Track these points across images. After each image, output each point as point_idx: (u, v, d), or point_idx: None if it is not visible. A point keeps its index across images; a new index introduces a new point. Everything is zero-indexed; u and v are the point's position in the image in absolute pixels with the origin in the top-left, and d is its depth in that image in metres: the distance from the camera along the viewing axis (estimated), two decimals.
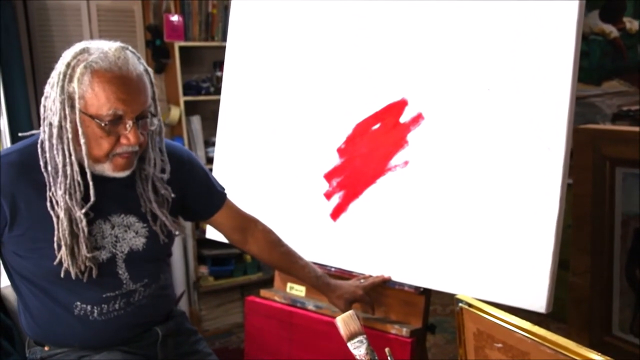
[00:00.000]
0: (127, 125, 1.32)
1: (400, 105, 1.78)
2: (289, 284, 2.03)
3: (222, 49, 2.32)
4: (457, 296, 1.34)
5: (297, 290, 2.01)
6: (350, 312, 0.80)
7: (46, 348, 1.46)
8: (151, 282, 1.49)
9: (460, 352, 1.39)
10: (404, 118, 1.77)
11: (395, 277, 1.76)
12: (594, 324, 2.17)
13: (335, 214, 1.88)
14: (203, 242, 3.46)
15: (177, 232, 1.54)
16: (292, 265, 1.74)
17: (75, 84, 1.30)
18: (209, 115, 3.55)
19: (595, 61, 3.54)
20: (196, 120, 3.52)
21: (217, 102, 3.43)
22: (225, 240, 1.86)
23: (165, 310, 1.56)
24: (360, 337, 0.77)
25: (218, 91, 3.53)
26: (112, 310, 1.43)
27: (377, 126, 1.83)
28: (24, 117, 2.95)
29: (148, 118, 1.39)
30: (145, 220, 1.47)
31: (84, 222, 1.35)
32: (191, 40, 3.51)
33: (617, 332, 2.12)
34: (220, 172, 2.12)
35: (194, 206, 1.62)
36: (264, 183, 2.04)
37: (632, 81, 3.49)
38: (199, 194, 1.62)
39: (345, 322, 0.78)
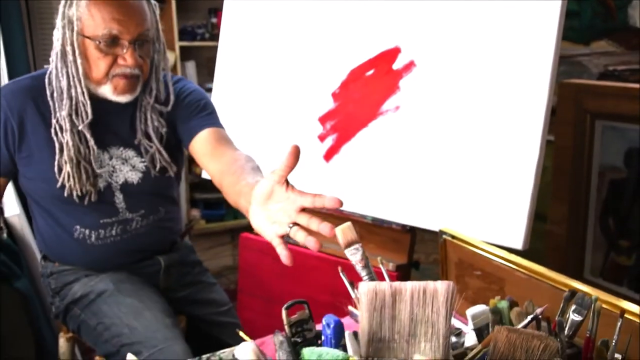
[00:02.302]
0: (124, 47, 1.38)
1: (394, 52, 1.85)
2: None
3: None
4: (442, 229, 1.44)
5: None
6: (348, 223, 0.90)
7: (56, 264, 1.55)
8: (148, 214, 1.55)
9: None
10: (397, 65, 1.85)
11: (384, 216, 1.86)
12: (568, 269, 2.30)
13: (329, 155, 1.97)
14: (195, 186, 3.55)
15: (169, 168, 1.53)
16: (249, 172, 1.26)
17: (74, 7, 1.37)
18: (204, 62, 3.59)
19: (586, 21, 3.60)
20: (191, 66, 3.56)
21: (212, 48, 3.49)
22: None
23: (166, 241, 1.63)
24: (357, 245, 0.87)
25: (213, 37, 3.57)
26: (108, 236, 1.51)
27: (370, 72, 1.90)
28: (21, 55, 2.99)
29: (148, 43, 1.43)
30: (143, 155, 1.52)
31: (92, 142, 1.42)
32: None
33: (588, 276, 2.26)
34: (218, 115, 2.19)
35: (180, 132, 1.53)
36: (261, 125, 2.11)
37: (620, 42, 3.55)
38: (186, 119, 1.52)
39: (343, 232, 0.88)
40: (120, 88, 1.41)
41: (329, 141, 1.98)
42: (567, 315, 0.92)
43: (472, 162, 1.72)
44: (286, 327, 0.80)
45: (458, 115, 1.74)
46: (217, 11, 3.58)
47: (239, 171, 1.26)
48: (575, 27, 3.63)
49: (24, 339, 1.85)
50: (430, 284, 0.74)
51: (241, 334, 0.74)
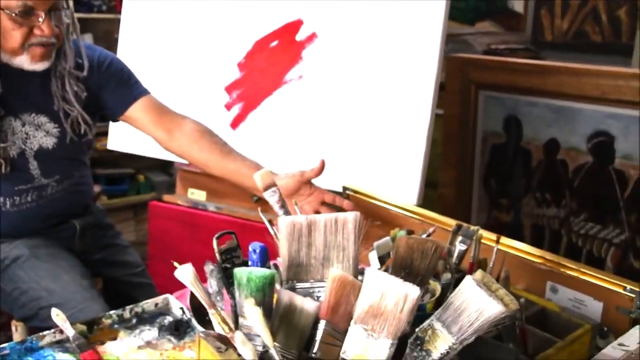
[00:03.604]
0: (40, 17, 1.37)
1: (297, 24, 1.96)
2: (190, 190, 2.20)
3: None
4: (344, 185, 1.58)
5: (198, 194, 2.18)
6: (267, 169, 1.00)
7: None
8: (63, 179, 1.57)
9: None
10: (300, 36, 1.96)
11: None
12: None
13: (235, 123, 2.06)
14: (96, 161, 3.49)
15: (89, 131, 1.57)
16: (228, 155, 1.54)
17: None
18: (101, 35, 3.52)
19: (471, 3, 3.87)
20: (88, 39, 3.48)
21: (109, 20, 3.44)
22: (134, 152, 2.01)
23: (81, 205, 1.66)
24: (274, 188, 0.97)
25: (111, 10, 3.50)
26: (24, 202, 1.51)
27: (274, 43, 2.00)
28: None
29: (61, 11, 1.43)
30: (57, 120, 1.52)
31: None
32: None
33: None
34: None
35: (108, 102, 1.59)
36: (168, 96, 2.15)
37: (501, 23, 3.85)
38: (114, 89, 1.60)
39: (262, 176, 0.98)
40: (37, 57, 1.41)
41: (236, 110, 2.06)
42: (455, 246, 1.08)
43: (371, 128, 1.87)
44: (217, 255, 0.89)
45: (357, 85, 1.88)
46: None
47: (218, 149, 1.54)
48: (461, 8, 3.89)
49: None
50: (341, 215, 0.86)
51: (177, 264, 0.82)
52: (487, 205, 2.45)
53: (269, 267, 0.86)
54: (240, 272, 0.76)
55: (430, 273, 0.77)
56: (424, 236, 0.92)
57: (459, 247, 1.07)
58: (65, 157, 1.57)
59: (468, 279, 0.71)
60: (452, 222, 1.33)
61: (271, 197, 0.97)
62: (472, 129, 2.40)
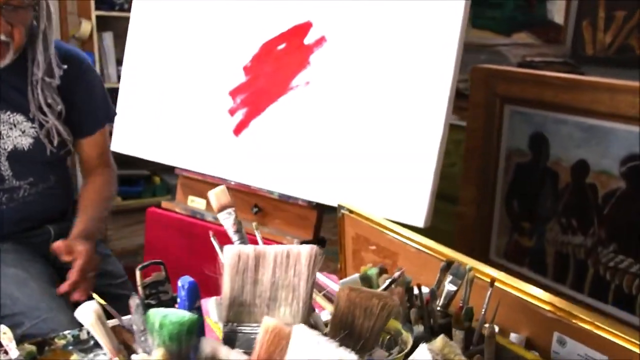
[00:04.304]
0: None
1: (305, 27, 1.83)
2: (190, 197, 2.09)
3: None
4: (340, 203, 1.43)
5: (198, 203, 2.07)
6: (222, 187, 0.87)
7: None
8: (38, 182, 1.49)
9: (340, 257, 1.50)
10: (308, 40, 1.82)
11: (290, 192, 1.84)
12: (475, 250, 2.36)
13: (238, 129, 1.93)
14: None
15: (69, 142, 1.52)
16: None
17: None
18: (122, 33, 3.45)
19: (507, 12, 3.69)
20: (108, 37, 3.43)
21: None
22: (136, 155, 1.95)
23: (57, 210, 1.57)
24: (230, 210, 0.84)
25: None
26: None
27: (282, 46, 1.87)
28: None
29: (24, 9, 1.35)
30: (35, 121, 1.45)
31: None
32: None
33: (494, 257, 2.32)
34: (128, 89, 2.12)
35: (72, 118, 1.54)
36: (171, 98, 2.05)
37: (539, 34, 3.67)
38: (81, 108, 1.55)
39: (217, 195, 0.85)
40: None
41: (239, 115, 1.94)
42: (443, 286, 0.93)
43: (379, 140, 1.71)
44: (140, 289, 0.76)
45: (366, 92, 1.73)
46: None
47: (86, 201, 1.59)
48: (497, 18, 3.72)
49: None
50: (295, 248, 0.72)
51: (95, 295, 0.70)
52: (508, 228, 2.27)
53: (197, 308, 0.73)
54: (153, 315, 0.62)
55: (376, 336, 0.63)
56: (386, 283, 0.77)
57: (448, 287, 0.92)
58: (42, 160, 1.48)
59: (422, 348, 0.57)
60: (450, 253, 1.17)
61: (226, 219, 0.84)
62: (495, 146, 2.23)
